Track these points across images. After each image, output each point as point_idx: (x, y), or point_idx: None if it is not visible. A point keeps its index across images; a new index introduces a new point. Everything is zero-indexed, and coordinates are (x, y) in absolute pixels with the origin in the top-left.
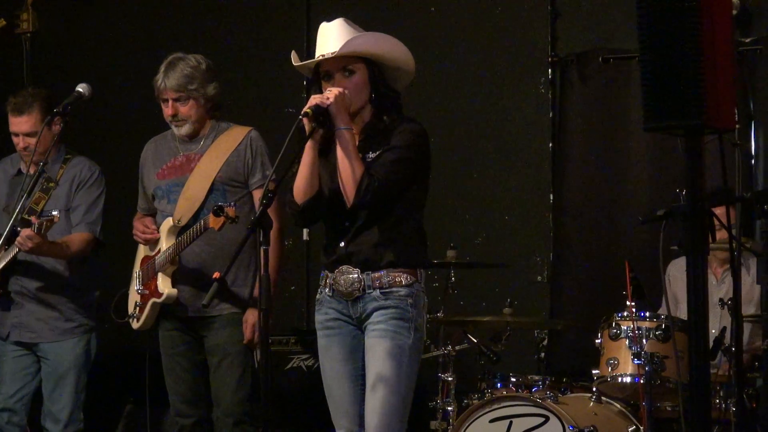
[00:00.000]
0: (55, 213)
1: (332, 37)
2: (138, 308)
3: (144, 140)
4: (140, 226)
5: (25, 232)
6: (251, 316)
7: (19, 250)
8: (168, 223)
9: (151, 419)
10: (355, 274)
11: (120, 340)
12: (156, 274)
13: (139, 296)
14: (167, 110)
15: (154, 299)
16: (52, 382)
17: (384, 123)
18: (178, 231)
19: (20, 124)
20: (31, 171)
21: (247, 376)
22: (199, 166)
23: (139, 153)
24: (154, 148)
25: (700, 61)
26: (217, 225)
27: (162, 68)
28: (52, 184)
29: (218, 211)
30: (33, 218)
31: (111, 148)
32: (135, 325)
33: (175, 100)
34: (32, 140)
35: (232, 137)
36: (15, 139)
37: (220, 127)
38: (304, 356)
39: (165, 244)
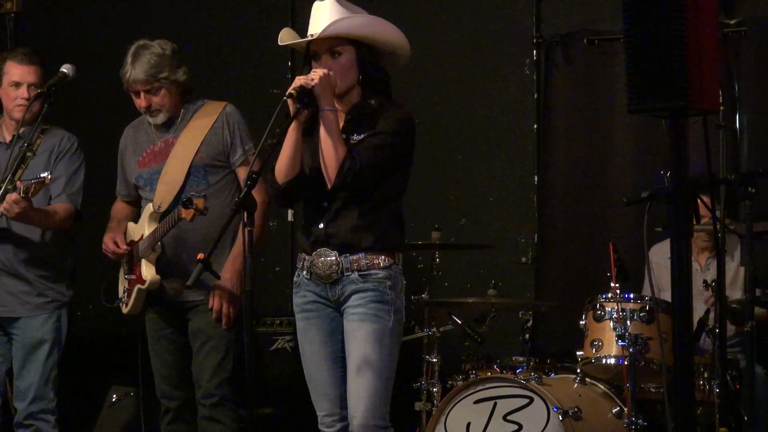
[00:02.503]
0: (45, 174)
1: (322, 17)
2: (126, 293)
3: (126, 120)
4: (111, 245)
5: (11, 196)
6: (217, 302)
7: (0, 216)
8: (149, 209)
9: (143, 401)
10: (333, 257)
11: (106, 322)
12: (140, 261)
13: (126, 281)
14: (140, 102)
15: (138, 285)
16: (20, 359)
17: (371, 106)
18: (159, 216)
19: (29, 73)
20: (12, 133)
21: (229, 359)
22: (175, 150)
23: (118, 132)
24: (133, 135)
25: (685, 43)
26: (189, 216)
27: (128, 60)
28: (30, 154)
29: (187, 204)
30: (18, 182)
31: (94, 127)
32: (124, 309)
33: (147, 91)
34: (35, 93)
35: (207, 115)
36: (14, 92)
37: (194, 107)
38: (288, 337)
39: (147, 230)
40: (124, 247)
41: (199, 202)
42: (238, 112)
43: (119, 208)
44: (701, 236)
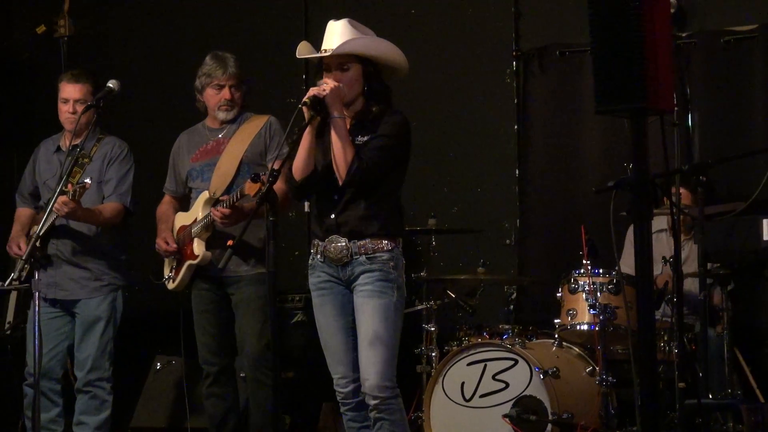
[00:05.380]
0: (87, 180)
1: (336, 35)
2: (174, 271)
3: (164, 127)
4: (162, 244)
5: (62, 198)
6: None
7: (57, 215)
8: (204, 195)
9: (184, 369)
10: (343, 242)
11: (150, 301)
12: (192, 240)
13: (174, 261)
14: (222, 95)
15: (189, 261)
16: (80, 334)
17: (373, 113)
18: (213, 202)
19: (74, 91)
20: (71, 142)
21: (266, 327)
22: (228, 148)
23: (161, 137)
24: (187, 138)
25: (643, 53)
26: (253, 191)
27: (212, 61)
28: (86, 160)
29: (255, 178)
30: (69, 186)
31: (138, 133)
32: (171, 285)
33: (232, 86)
34: (80, 108)
35: (254, 124)
36: (63, 107)
37: (243, 116)
38: (306, 311)
39: (201, 213)
40: (174, 246)
41: (264, 179)
42: (278, 123)
43: (163, 210)
44: (685, 220)
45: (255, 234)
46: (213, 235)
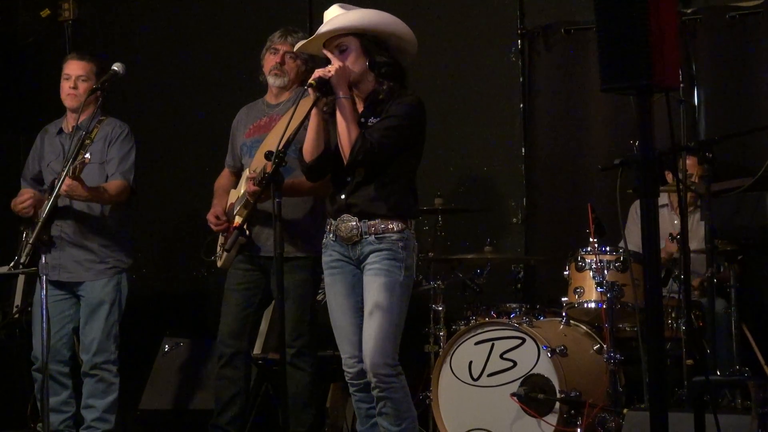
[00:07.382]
0: (87, 156)
1: (326, 22)
2: (221, 248)
3: (168, 110)
4: (213, 219)
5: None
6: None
7: (59, 195)
8: (245, 173)
9: (191, 351)
10: (353, 222)
11: (158, 284)
12: (235, 218)
13: (223, 238)
14: (274, 58)
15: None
16: (85, 316)
17: (384, 91)
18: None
19: (77, 67)
20: (71, 124)
21: (306, 314)
22: (277, 126)
23: (165, 121)
24: (246, 113)
25: (648, 30)
26: (270, 168)
27: (281, 30)
28: (88, 141)
29: (269, 156)
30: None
31: (142, 117)
32: (219, 263)
33: (287, 52)
34: (81, 85)
35: (309, 103)
36: (65, 83)
37: (301, 95)
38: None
39: (242, 191)
40: (224, 220)
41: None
42: None
43: (220, 183)
44: (689, 195)
45: (301, 214)
46: (255, 213)
